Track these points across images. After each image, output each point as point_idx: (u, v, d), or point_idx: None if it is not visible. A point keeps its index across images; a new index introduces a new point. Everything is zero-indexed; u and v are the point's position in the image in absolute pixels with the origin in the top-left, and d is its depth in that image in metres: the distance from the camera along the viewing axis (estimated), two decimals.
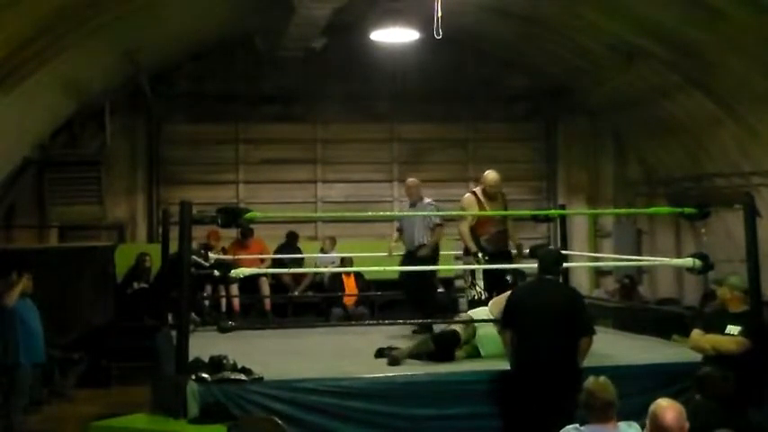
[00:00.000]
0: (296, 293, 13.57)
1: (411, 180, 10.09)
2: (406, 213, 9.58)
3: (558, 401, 6.19)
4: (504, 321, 7.10)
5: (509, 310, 7.11)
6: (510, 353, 6.96)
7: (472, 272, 8.98)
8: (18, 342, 9.25)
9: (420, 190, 9.88)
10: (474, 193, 9.17)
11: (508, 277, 8.74)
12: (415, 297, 9.81)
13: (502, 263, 8.79)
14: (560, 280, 7.69)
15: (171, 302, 8.84)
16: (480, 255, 8.85)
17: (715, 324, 7.13)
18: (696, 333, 7.14)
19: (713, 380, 5.66)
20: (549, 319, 6.75)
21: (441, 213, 9.75)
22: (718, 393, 5.52)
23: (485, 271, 8.81)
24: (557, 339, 6.67)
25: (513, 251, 9.26)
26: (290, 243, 13.70)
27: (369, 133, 15.46)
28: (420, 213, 9.63)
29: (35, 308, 9.54)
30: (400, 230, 9.95)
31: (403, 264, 9.71)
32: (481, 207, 9.00)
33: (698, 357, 7.22)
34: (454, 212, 10.22)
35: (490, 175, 9.10)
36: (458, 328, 7.97)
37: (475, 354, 7.88)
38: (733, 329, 6.99)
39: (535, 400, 6.55)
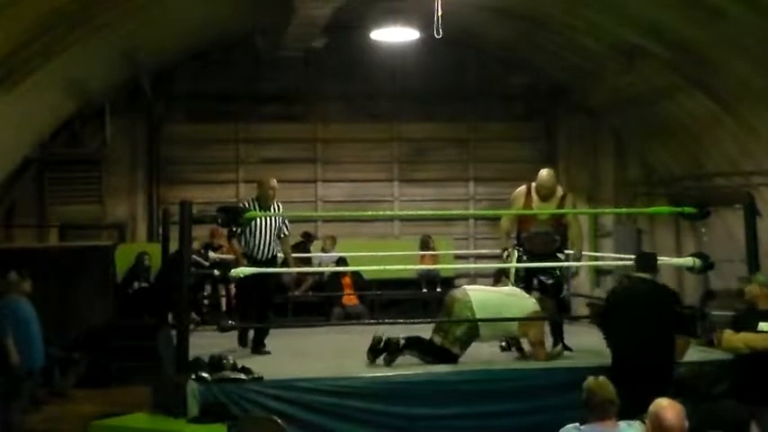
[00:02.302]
0: (296, 293, 13.56)
1: (275, 181, 9.03)
2: (407, 213, 9.23)
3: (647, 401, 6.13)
4: (601, 320, 7.19)
5: (606, 309, 7.20)
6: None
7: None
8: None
9: None
10: (529, 187, 8.73)
11: (542, 277, 8.40)
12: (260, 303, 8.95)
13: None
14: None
15: (171, 302, 8.84)
16: (505, 253, 8.57)
17: (745, 323, 7.08)
18: (728, 333, 7.08)
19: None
20: (646, 320, 6.79)
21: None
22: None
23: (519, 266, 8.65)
24: (654, 339, 6.73)
25: (562, 255, 8.78)
26: (305, 244, 13.63)
27: (369, 133, 15.45)
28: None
29: (34, 311, 9.51)
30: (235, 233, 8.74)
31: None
32: (527, 204, 8.63)
33: (696, 357, 7.24)
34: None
35: (541, 174, 8.67)
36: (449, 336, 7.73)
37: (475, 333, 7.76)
38: (765, 326, 6.94)
39: (627, 398, 6.47)
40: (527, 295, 8.08)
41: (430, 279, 13.88)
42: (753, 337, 6.95)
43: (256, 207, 8.60)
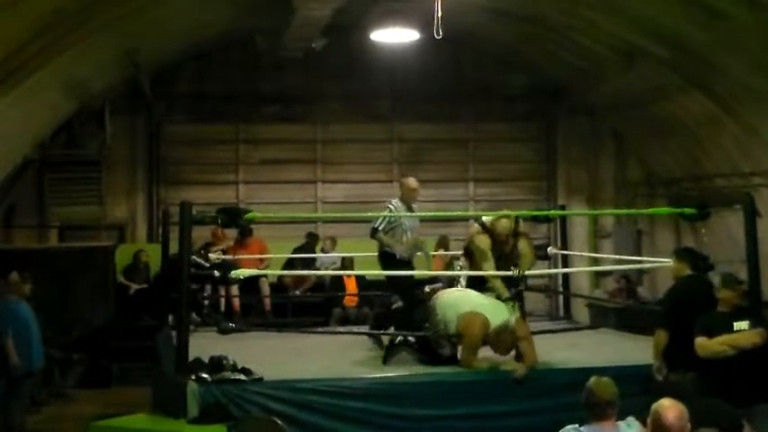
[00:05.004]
0: (297, 293, 13.56)
1: (415, 181, 9.11)
2: (405, 214, 9.07)
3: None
4: (667, 322, 7.12)
5: (674, 310, 7.15)
6: (660, 354, 7.00)
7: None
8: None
9: None
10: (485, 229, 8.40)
11: None
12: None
13: None
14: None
15: (171, 303, 8.84)
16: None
17: (719, 326, 6.90)
18: (702, 340, 6.81)
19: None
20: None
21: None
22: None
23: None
24: None
25: None
26: (310, 245, 13.58)
27: (369, 133, 15.45)
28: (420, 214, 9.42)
29: (33, 313, 9.49)
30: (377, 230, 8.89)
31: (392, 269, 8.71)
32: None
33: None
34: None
35: (501, 223, 8.34)
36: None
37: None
38: (742, 325, 6.86)
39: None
40: (479, 295, 8.01)
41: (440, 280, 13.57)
42: (736, 337, 6.79)
43: (401, 208, 8.81)
